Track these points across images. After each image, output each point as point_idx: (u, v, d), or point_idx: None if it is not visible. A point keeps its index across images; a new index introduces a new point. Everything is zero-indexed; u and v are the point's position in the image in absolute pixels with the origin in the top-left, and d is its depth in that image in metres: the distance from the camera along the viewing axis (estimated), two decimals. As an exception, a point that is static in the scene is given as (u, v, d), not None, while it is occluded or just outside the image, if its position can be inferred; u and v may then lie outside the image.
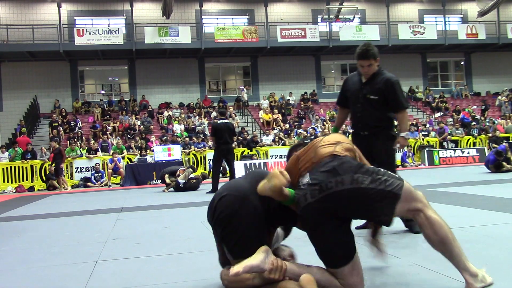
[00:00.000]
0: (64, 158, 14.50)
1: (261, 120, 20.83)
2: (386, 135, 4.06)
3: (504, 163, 11.54)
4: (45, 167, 15.10)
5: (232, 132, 9.70)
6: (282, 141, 17.83)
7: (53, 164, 14.16)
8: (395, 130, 4.21)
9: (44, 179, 15.07)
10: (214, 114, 20.99)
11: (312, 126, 19.62)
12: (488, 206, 5.27)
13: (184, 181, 10.57)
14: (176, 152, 15.04)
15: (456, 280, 2.46)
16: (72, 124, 19.28)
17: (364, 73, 4.00)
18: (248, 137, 17.89)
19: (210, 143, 17.34)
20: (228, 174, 10.28)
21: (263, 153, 16.99)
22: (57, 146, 14.55)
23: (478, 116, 21.60)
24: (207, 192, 9.51)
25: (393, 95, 3.98)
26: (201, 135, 18.07)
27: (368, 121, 4.06)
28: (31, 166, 15.28)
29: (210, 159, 16.34)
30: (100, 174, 15.17)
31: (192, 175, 10.92)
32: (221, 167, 15.93)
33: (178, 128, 19.10)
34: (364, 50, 3.91)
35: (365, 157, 2.54)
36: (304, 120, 20.98)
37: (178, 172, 10.88)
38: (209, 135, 16.12)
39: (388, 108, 4.04)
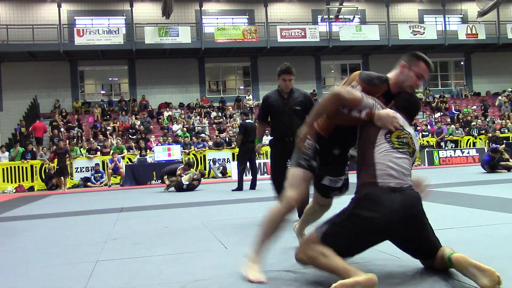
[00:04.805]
0: (70, 157, 14.57)
1: (261, 120, 20.78)
2: None
3: (505, 163, 11.57)
4: (45, 167, 15.10)
5: (255, 132, 10.02)
6: (282, 141, 17.85)
7: (58, 164, 14.13)
8: None
9: (44, 178, 15.08)
10: (214, 114, 21.02)
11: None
12: (488, 206, 5.27)
13: (187, 183, 10.60)
14: (176, 152, 15.06)
15: (456, 281, 2.46)
16: (81, 127, 19.31)
17: (285, 86, 4.95)
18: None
19: (210, 143, 17.37)
20: (226, 174, 10.33)
21: (263, 153, 16.98)
22: (63, 145, 14.59)
23: (477, 115, 21.60)
24: (232, 190, 9.64)
25: (311, 106, 4.93)
26: (201, 135, 18.07)
27: (295, 129, 5.10)
28: (31, 166, 15.28)
29: (210, 159, 16.40)
30: (100, 174, 15.16)
31: (194, 176, 11.00)
32: (220, 167, 16.05)
33: (177, 128, 19.11)
34: (288, 66, 4.93)
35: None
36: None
37: (178, 171, 10.88)
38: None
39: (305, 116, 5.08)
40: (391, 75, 2.82)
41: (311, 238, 2.52)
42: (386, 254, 3.08)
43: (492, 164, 11.54)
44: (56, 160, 14.26)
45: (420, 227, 2.52)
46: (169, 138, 17.53)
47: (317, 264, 2.44)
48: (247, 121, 9.95)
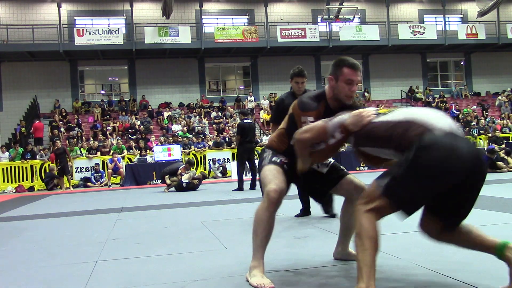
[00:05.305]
0: (69, 156, 14.62)
1: (261, 120, 20.84)
2: None
3: (502, 163, 11.59)
4: (45, 167, 15.11)
5: (254, 132, 10.14)
6: (282, 141, 17.83)
7: (59, 164, 14.16)
8: None
9: (44, 178, 15.08)
10: (214, 114, 21.02)
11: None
12: (488, 206, 5.27)
13: (187, 181, 10.61)
14: (176, 152, 15.06)
15: (456, 280, 2.46)
16: (80, 127, 19.30)
17: (298, 89, 4.98)
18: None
19: (209, 142, 17.37)
20: (226, 174, 10.33)
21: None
22: (60, 145, 14.64)
23: (477, 115, 21.60)
24: (233, 190, 9.64)
25: None
26: (201, 135, 18.07)
27: None
28: (31, 166, 15.28)
29: (210, 159, 16.40)
30: (100, 174, 15.16)
31: (195, 175, 11.03)
32: (220, 167, 16.05)
33: (177, 128, 19.11)
34: (301, 70, 4.99)
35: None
36: (304, 120, 20.95)
37: (180, 171, 10.90)
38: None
39: None
40: (327, 90, 2.70)
41: (372, 193, 2.21)
42: (386, 254, 3.08)
43: (491, 163, 11.55)
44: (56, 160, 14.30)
45: (478, 192, 2.24)
46: (170, 138, 17.54)
47: (357, 249, 2.17)
48: (245, 121, 9.91)
